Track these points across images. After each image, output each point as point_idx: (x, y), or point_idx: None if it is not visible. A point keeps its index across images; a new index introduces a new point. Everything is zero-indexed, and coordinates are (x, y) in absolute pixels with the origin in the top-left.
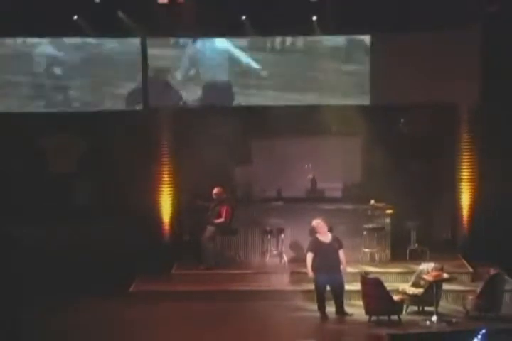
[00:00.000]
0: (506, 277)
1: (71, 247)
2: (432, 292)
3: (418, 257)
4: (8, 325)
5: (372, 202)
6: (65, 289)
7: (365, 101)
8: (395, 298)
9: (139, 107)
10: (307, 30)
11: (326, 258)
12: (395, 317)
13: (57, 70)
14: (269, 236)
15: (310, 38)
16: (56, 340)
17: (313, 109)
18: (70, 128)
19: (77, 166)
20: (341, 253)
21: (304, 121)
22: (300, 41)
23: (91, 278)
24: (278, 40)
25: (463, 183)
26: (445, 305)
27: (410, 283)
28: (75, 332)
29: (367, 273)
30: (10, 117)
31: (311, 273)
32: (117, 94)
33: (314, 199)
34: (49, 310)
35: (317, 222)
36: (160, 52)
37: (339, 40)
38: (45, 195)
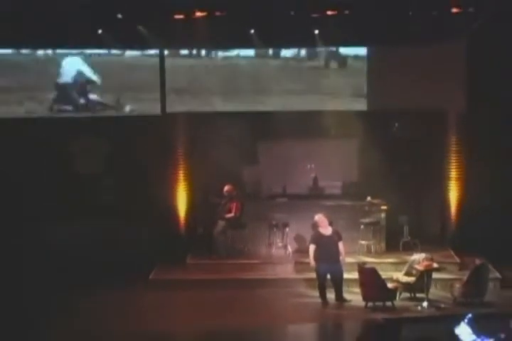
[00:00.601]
0: (490, 267)
1: (97, 240)
2: (422, 280)
3: (410, 249)
4: (42, 305)
5: (369, 198)
6: (93, 277)
7: (363, 107)
8: (390, 285)
9: None
10: (310, 42)
11: (327, 250)
12: (389, 303)
13: (84, 78)
14: (275, 230)
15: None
16: (84, 320)
17: (314, 114)
18: (95, 131)
19: (101, 167)
20: (340, 245)
21: (306, 125)
22: (303, 52)
23: (114, 268)
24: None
25: (451, 182)
26: (435, 292)
27: (403, 272)
28: (100, 313)
29: (364, 263)
30: (39, 121)
31: (313, 263)
32: (138, 99)
33: (316, 196)
34: (80, 294)
35: (319, 217)
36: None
37: (340, 51)
38: (72, 193)
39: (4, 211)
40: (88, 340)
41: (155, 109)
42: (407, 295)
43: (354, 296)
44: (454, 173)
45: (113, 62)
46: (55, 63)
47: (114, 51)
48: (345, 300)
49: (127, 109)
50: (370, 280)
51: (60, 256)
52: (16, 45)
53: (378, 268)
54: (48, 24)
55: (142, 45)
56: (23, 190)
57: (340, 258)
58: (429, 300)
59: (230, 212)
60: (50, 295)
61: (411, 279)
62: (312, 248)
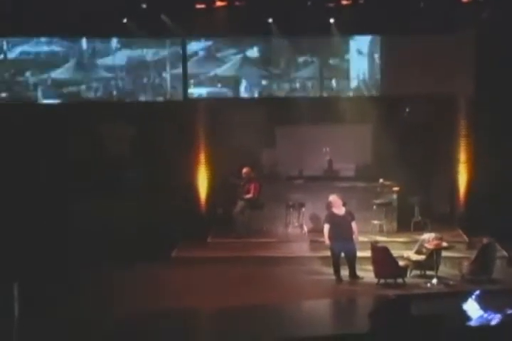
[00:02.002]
0: (497, 246)
1: (121, 218)
2: (432, 258)
3: (421, 228)
4: (69, 281)
5: (381, 180)
6: (117, 254)
7: (376, 92)
8: (401, 263)
9: None
10: (326, 31)
11: (341, 229)
12: (400, 280)
13: (107, 63)
14: (291, 210)
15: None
16: (106, 296)
17: (330, 99)
18: (121, 116)
19: (127, 150)
20: (354, 225)
21: (321, 110)
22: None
23: (139, 245)
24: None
25: (460, 164)
26: (444, 269)
27: (414, 251)
28: (123, 289)
29: (376, 242)
30: (68, 107)
31: (327, 242)
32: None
33: (331, 178)
34: (103, 271)
35: (333, 198)
36: None
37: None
38: (100, 174)
39: (36, 189)
40: (110, 316)
41: (177, 94)
42: (418, 272)
43: (367, 273)
44: (463, 156)
45: (137, 48)
46: (81, 49)
47: (138, 40)
48: (358, 277)
49: (150, 93)
50: (382, 258)
51: (86, 233)
52: (45, 33)
53: (390, 246)
54: (75, 13)
55: (165, 34)
56: (53, 172)
57: (354, 237)
58: (438, 278)
59: (248, 193)
60: (74, 271)
61: (421, 257)
62: (326, 227)
